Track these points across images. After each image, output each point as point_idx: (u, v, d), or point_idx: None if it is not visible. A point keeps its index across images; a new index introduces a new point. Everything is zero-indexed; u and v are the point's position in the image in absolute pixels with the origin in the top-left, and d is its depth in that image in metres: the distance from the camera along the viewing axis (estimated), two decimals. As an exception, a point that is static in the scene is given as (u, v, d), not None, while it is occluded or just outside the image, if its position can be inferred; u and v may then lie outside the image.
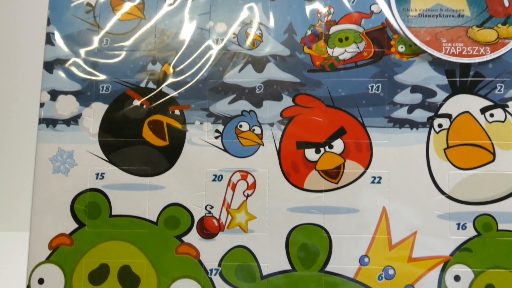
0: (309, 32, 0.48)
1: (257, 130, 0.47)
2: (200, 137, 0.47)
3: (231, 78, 0.48)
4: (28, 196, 0.47)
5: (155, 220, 0.47)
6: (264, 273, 0.46)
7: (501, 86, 0.47)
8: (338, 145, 0.47)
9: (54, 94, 0.49)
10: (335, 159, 0.46)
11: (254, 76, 0.48)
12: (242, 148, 0.47)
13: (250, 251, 0.46)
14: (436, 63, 0.47)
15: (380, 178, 0.46)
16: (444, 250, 0.45)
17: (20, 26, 0.65)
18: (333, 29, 0.48)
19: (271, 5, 0.49)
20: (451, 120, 0.46)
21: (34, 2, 0.66)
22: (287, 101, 0.48)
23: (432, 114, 0.47)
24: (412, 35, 0.47)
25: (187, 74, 0.48)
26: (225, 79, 0.48)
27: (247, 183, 0.47)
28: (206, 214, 0.47)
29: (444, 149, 0.46)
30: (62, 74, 0.49)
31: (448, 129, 0.46)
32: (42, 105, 0.49)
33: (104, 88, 0.49)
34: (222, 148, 0.47)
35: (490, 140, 0.46)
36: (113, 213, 0.47)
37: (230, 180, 0.47)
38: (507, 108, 0.46)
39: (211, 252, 0.46)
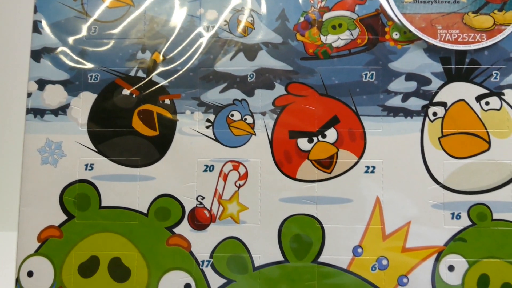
0: (302, 19, 0.47)
1: (249, 120, 0.47)
2: (191, 126, 0.47)
3: (222, 67, 0.47)
4: (16, 188, 0.46)
5: (145, 211, 0.46)
6: (256, 264, 0.45)
7: (497, 74, 0.46)
8: (331, 134, 0.46)
9: (41, 84, 0.48)
10: (328, 148, 0.46)
11: (246, 64, 0.47)
12: (234, 138, 0.46)
13: (242, 242, 0.45)
14: (431, 50, 0.46)
15: (374, 167, 0.45)
16: (438, 240, 0.44)
17: (6, 14, 0.63)
18: (327, 15, 0.47)
19: (263, -9, 0.48)
20: (446, 108, 0.46)
21: (21, -11, 0.65)
22: (279, 89, 0.47)
23: (426, 102, 0.46)
24: (407, 22, 0.46)
25: (177, 63, 0.47)
26: (216, 67, 0.47)
27: (239, 174, 0.46)
28: (198, 205, 0.46)
29: (439, 138, 0.45)
30: (49, 63, 0.48)
31: (443, 118, 0.46)
32: (29, 95, 0.48)
33: (93, 77, 0.48)
34: (213, 138, 0.46)
35: (486, 128, 0.45)
36: (103, 204, 0.46)
37: (221, 170, 0.46)
38: (503, 96, 0.46)
39: (202, 243, 0.45)
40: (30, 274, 0.46)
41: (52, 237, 0.46)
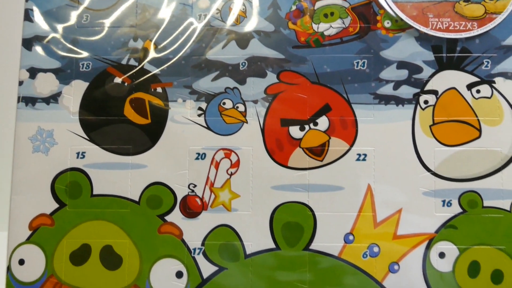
0: (293, 7, 0.47)
1: (241, 108, 0.47)
2: (183, 115, 0.47)
3: (214, 55, 0.47)
4: (7, 176, 0.46)
5: (137, 199, 0.46)
6: (248, 252, 0.45)
7: (488, 62, 0.46)
8: (323, 122, 0.46)
9: (33, 72, 0.48)
10: (319, 136, 0.46)
11: (238, 53, 0.47)
12: (226, 126, 0.46)
13: (233, 230, 0.45)
14: (422, 38, 0.46)
15: (365, 155, 0.45)
16: (429, 227, 0.45)
17: (-3, 3, 0.63)
18: (318, 4, 0.47)
19: (255, -21, 0.48)
20: (437, 96, 0.46)
21: (12, -22, 0.65)
22: (271, 77, 0.47)
23: (418, 90, 0.46)
24: (399, 10, 0.46)
25: (169, 51, 0.47)
26: (208, 55, 0.47)
27: (231, 161, 0.46)
28: (189, 193, 0.46)
29: (430, 126, 0.46)
30: (41, 51, 0.48)
31: (434, 106, 0.46)
32: (21, 83, 0.48)
33: (85, 65, 0.48)
34: (205, 126, 0.46)
35: (476, 116, 0.45)
36: (95, 192, 0.46)
37: (213, 158, 0.46)
38: (493, 84, 0.46)
39: (194, 231, 0.45)
40: (21, 262, 0.45)
41: (44, 225, 0.46)
